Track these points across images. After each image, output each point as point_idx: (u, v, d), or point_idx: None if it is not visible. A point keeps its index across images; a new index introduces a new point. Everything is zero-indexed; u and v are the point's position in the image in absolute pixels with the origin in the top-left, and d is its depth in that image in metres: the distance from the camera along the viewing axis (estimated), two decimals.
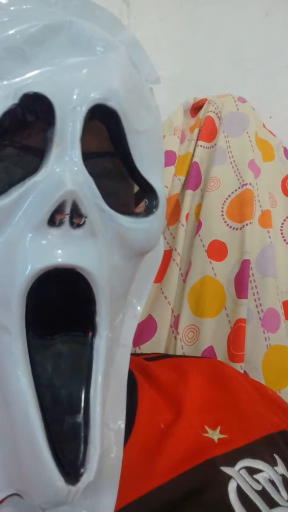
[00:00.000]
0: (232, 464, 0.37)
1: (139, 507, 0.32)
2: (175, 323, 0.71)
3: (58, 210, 0.26)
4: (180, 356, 0.64)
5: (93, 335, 0.28)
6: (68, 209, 0.26)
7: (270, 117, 0.88)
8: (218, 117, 0.80)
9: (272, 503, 0.35)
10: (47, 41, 0.28)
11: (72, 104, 0.27)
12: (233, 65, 0.88)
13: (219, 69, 0.88)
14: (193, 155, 0.79)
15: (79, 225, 0.27)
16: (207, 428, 0.40)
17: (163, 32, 0.88)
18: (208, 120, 0.80)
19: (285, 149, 0.84)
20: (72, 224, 0.27)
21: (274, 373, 0.66)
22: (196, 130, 0.80)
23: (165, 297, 0.71)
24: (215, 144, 0.79)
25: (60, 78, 0.28)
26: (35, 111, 0.27)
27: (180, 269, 0.74)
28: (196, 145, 0.79)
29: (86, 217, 0.27)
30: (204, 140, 0.80)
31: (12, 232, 0.26)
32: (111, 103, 0.29)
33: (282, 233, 0.77)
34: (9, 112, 0.26)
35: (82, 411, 0.26)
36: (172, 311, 0.72)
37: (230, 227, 0.73)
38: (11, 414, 0.25)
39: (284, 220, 0.78)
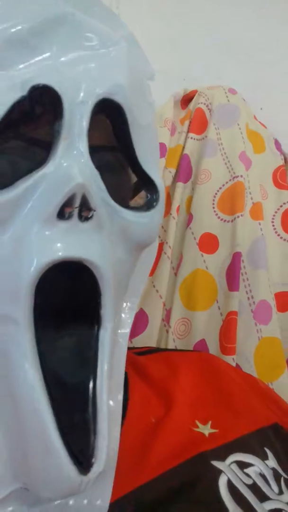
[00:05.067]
0: (222, 458, 0.37)
1: (130, 501, 0.32)
2: (167, 317, 0.71)
3: (68, 203, 0.26)
4: (172, 350, 0.64)
5: (98, 328, 0.28)
6: (77, 202, 0.26)
7: (261, 109, 0.88)
8: (208, 109, 0.80)
9: (263, 497, 0.35)
10: (51, 32, 0.28)
11: (79, 97, 0.27)
12: (224, 57, 0.88)
13: (209, 60, 0.87)
14: (183, 147, 0.79)
15: (87, 218, 0.27)
16: (198, 423, 0.40)
17: (153, 23, 0.87)
18: (199, 112, 0.79)
19: (276, 141, 0.84)
20: (80, 217, 0.27)
21: (266, 365, 0.66)
22: (187, 122, 0.80)
23: (157, 291, 0.71)
24: (206, 136, 0.78)
25: (67, 71, 0.27)
26: (43, 104, 0.27)
27: (171, 262, 0.73)
28: (186, 137, 0.79)
29: (94, 211, 0.27)
30: (195, 132, 0.79)
31: (20, 225, 0.26)
32: (117, 98, 0.29)
33: (273, 225, 0.77)
34: (18, 104, 0.26)
35: (90, 402, 0.27)
36: (164, 305, 0.71)
37: (222, 219, 0.73)
38: (18, 406, 0.25)
39: (275, 212, 0.78)
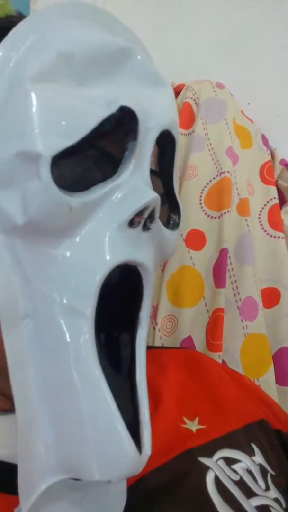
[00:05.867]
0: (210, 454, 0.37)
1: None
2: (154, 314, 0.71)
3: (140, 213, 0.29)
4: (158, 347, 0.64)
5: (138, 328, 0.31)
6: (146, 214, 0.30)
7: (248, 104, 0.88)
8: (195, 103, 0.79)
9: (249, 493, 0.35)
10: (121, 62, 0.32)
11: (149, 124, 0.31)
12: (211, 51, 0.87)
13: (197, 54, 0.87)
14: None
15: (148, 229, 0.31)
16: (186, 419, 0.40)
17: (139, 15, 0.86)
18: (186, 106, 0.79)
19: (263, 136, 0.84)
20: (144, 226, 0.30)
21: (252, 362, 0.66)
22: None
23: None
24: (193, 131, 0.78)
25: (142, 100, 0.31)
26: (124, 123, 0.30)
27: None
28: None
29: (155, 223, 0.31)
30: (182, 127, 0.79)
31: (95, 227, 0.29)
32: (174, 132, 0.35)
33: (260, 221, 0.77)
34: (107, 119, 0.29)
35: (132, 397, 0.29)
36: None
37: (208, 215, 0.73)
38: (79, 392, 0.27)
39: (262, 208, 0.78)
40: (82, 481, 0.27)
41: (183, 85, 0.81)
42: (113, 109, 0.29)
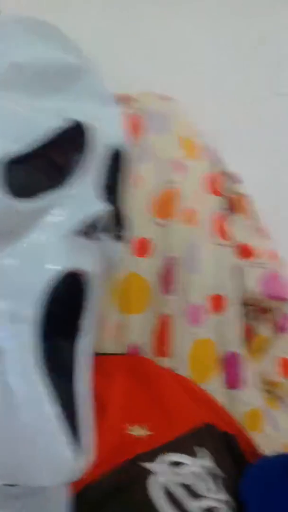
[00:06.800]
0: (157, 460, 0.37)
1: None
2: (101, 320, 0.70)
3: (88, 223, 0.30)
4: (106, 354, 0.64)
5: (79, 337, 0.32)
6: (94, 224, 0.31)
7: (195, 116, 0.90)
8: (142, 114, 0.80)
9: (196, 496, 0.35)
10: (75, 78, 0.34)
11: (99, 140, 0.32)
12: (157, 62, 0.89)
13: (143, 64, 0.88)
14: None
15: (95, 239, 0.31)
16: (132, 427, 0.40)
17: (84, 20, 0.86)
18: (132, 117, 0.80)
19: (210, 147, 0.86)
20: (91, 236, 0.31)
21: (200, 367, 0.67)
22: None
23: None
24: (140, 142, 0.79)
25: (91, 116, 0.32)
26: (73, 136, 0.31)
27: None
28: None
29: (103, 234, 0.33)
30: (129, 138, 0.79)
31: (41, 232, 0.29)
32: (122, 149, 0.37)
33: (207, 230, 0.79)
34: (58, 130, 0.30)
35: (69, 404, 0.29)
36: None
37: (156, 224, 0.74)
38: (17, 400, 0.26)
39: (210, 217, 0.80)
40: (19, 487, 0.26)
41: (129, 96, 0.82)
42: (62, 121, 0.30)
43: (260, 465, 0.42)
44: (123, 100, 0.83)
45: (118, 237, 0.39)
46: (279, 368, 0.77)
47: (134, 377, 0.47)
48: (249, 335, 0.81)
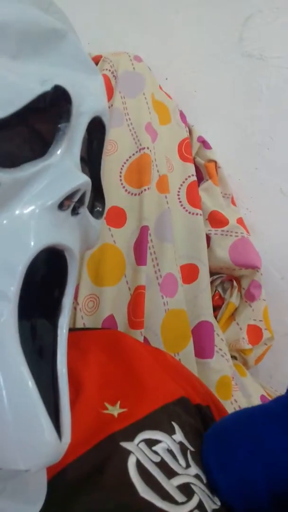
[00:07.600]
0: (131, 438, 0.37)
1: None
2: (75, 294, 0.69)
3: (70, 196, 0.29)
4: (80, 329, 0.63)
5: (59, 315, 0.31)
6: (77, 197, 0.29)
7: (166, 79, 0.87)
8: (114, 75, 0.77)
9: (170, 473, 0.36)
10: (56, 43, 0.31)
11: (82, 108, 0.31)
12: (128, 22, 0.85)
13: (114, 25, 0.84)
14: None
15: (77, 214, 0.30)
16: (107, 404, 0.40)
17: None
18: (104, 78, 0.76)
19: (181, 112, 0.84)
20: (73, 211, 0.30)
21: (172, 337, 0.67)
22: None
23: None
24: (112, 105, 0.76)
25: (76, 83, 0.31)
26: (57, 103, 0.29)
27: None
28: None
29: (85, 208, 0.31)
30: None
31: (23, 206, 0.28)
32: (105, 119, 0.35)
33: (179, 198, 0.78)
34: (41, 97, 0.28)
35: (53, 385, 0.29)
36: None
37: (129, 192, 0.72)
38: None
39: (181, 185, 0.79)
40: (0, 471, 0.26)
41: (100, 56, 0.78)
42: (47, 87, 0.28)
43: (213, 429, 0.43)
44: (94, 60, 0.79)
45: (96, 214, 0.38)
46: (247, 335, 0.79)
47: (109, 352, 0.47)
48: (218, 303, 0.82)
